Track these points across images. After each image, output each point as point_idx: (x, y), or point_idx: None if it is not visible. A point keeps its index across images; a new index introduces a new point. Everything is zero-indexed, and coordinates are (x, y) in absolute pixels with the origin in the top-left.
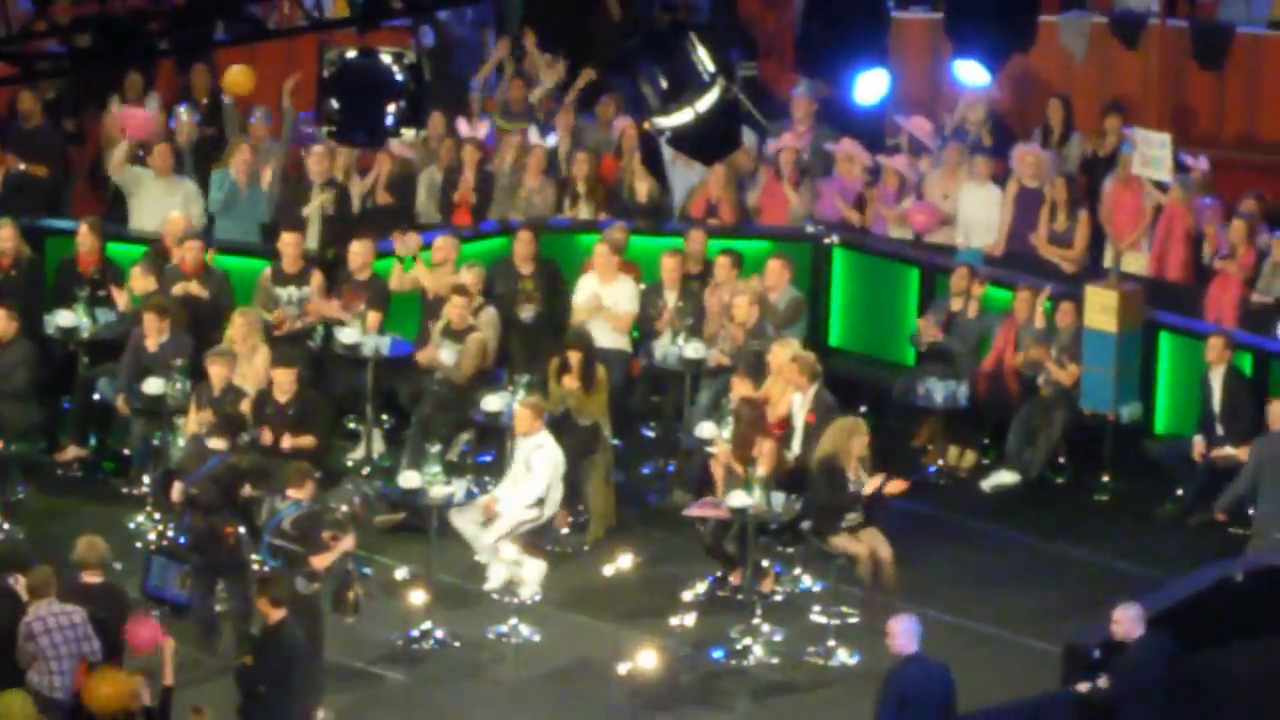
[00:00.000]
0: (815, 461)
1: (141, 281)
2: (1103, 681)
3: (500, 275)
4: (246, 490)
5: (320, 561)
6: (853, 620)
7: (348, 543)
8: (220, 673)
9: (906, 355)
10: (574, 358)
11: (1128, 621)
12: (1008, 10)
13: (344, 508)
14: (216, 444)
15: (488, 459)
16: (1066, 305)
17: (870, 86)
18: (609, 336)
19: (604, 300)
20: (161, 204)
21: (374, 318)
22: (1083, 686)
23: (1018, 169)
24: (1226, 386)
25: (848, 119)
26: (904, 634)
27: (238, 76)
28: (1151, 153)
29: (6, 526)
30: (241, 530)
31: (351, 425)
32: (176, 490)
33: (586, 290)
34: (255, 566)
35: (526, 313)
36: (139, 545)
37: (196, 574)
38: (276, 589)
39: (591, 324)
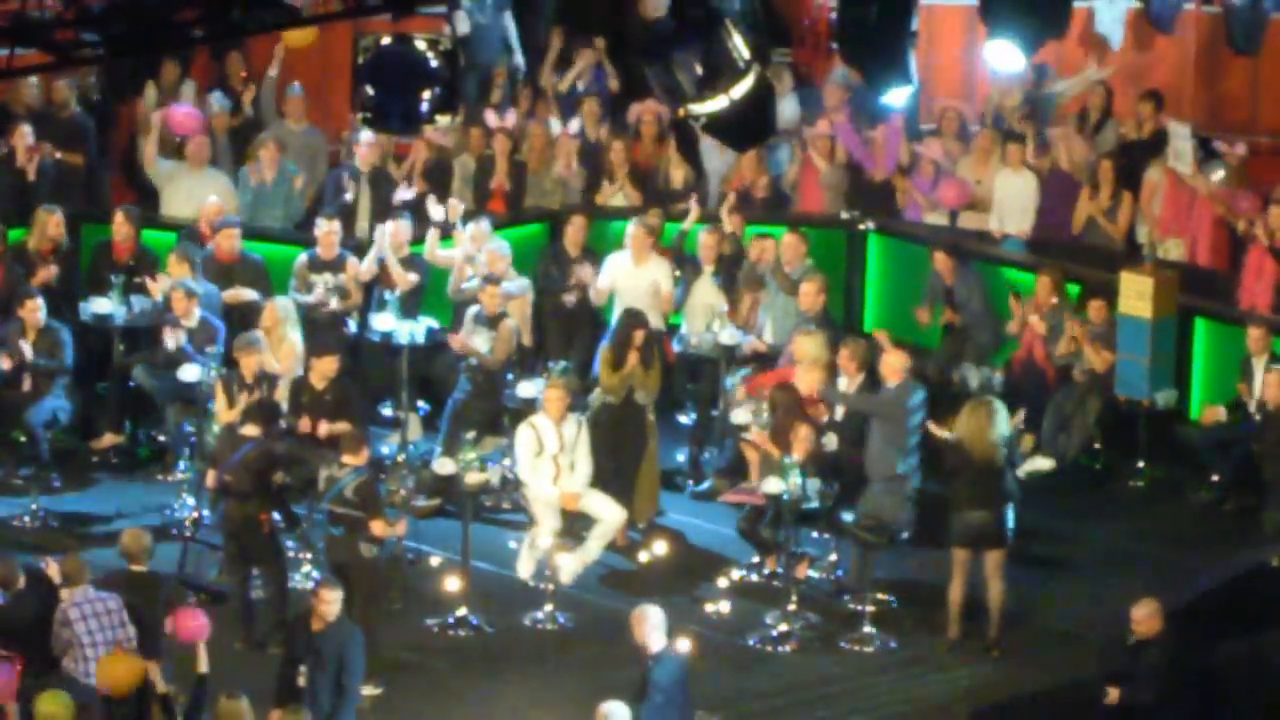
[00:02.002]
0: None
1: (178, 268)
2: (1131, 688)
3: (548, 260)
4: (279, 477)
5: (381, 528)
6: (887, 606)
7: (401, 527)
8: (256, 659)
9: (940, 341)
10: (638, 336)
11: (1147, 619)
12: None
13: (402, 491)
14: (250, 431)
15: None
16: (1096, 300)
17: (897, 95)
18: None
19: (639, 282)
20: (195, 197)
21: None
22: (1112, 695)
23: (1052, 153)
24: (1268, 374)
25: (881, 107)
26: (656, 628)
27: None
28: (1179, 145)
29: (42, 514)
30: (276, 517)
31: (387, 412)
32: (211, 478)
33: (611, 272)
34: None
35: (570, 298)
36: (175, 532)
37: (231, 561)
38: (336, 582)
39: (624, 299)
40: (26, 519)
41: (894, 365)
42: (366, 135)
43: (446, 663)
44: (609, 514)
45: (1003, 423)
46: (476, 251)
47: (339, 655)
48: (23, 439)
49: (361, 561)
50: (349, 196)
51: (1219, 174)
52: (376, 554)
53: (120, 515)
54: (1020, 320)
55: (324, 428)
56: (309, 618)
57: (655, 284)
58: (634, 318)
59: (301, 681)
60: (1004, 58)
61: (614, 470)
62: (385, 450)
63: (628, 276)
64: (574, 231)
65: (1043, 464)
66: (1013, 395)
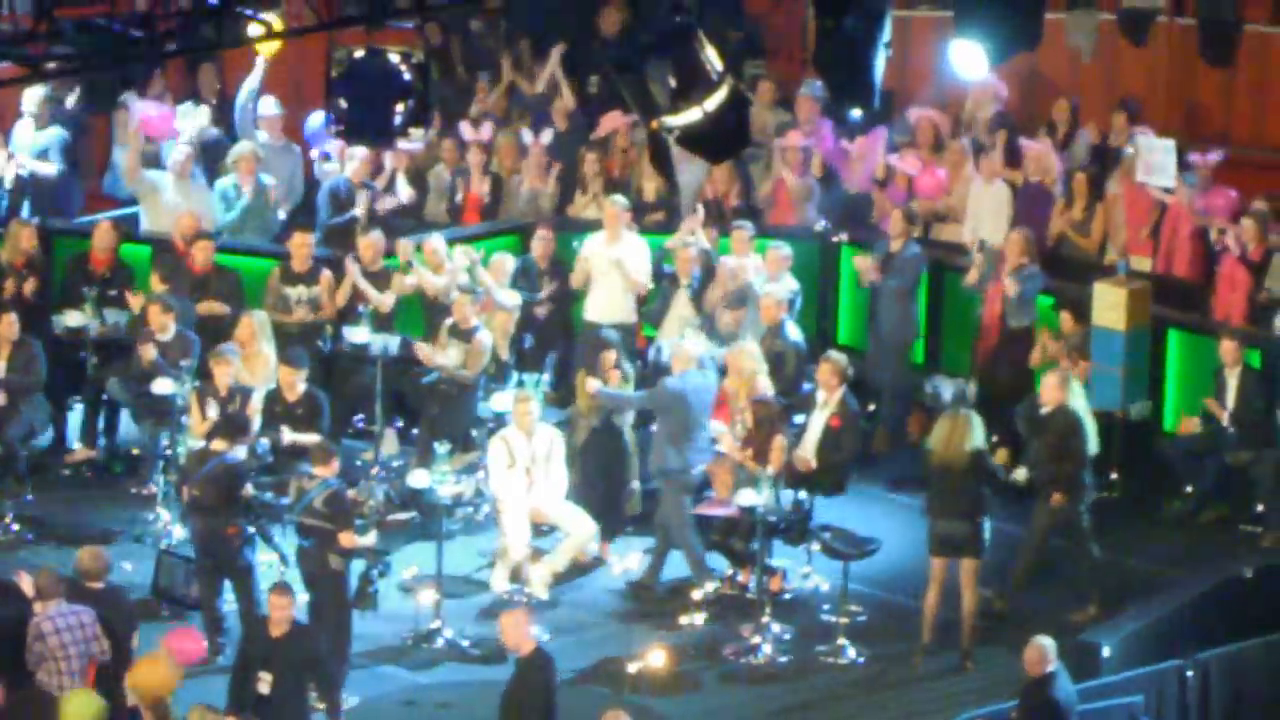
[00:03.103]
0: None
1: (161, 286)
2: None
3: (517, 273)
4: (248, 490)
5: (350, 540)
6: (862, 619)
7: (371, 538)
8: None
9: (916, 353)
10: (608, 358)
11: (1035, 661)
12: (1014, 7)
13: (371, 502)
14: (218, 445)
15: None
16: (1066, 312)
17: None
18: (615, 306)
19: (616, 259)
20: (179, 207)
21: (388, 300)
22: None
23: (1024, 165)
24: (1242, 387)
25: (854, 119)
26: (526, 630)
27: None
28: (1155, 159)
29: (16, 527)
30: (250, 530)
31: (363, 425)
32: (185, 492)
33: (588, 251)
34: (268, 559)
35: (541, 309)
36: (148, 545)
37: (202, 574)
38: (290, 589)
39: (597, 291)
40: None
41: (681, 354)
42: (360, 149)
43: (419, 674)
44: (579, 527)
45: (978, 434)
46: (458, 276)
47: (303, 663)
48: None
49: (330, 573)
50: (358, 212)
51: (1192, 185)
52: (346, 566)
53: (94, 528)
54: (1041, 349)
55: (287, 435)
56: (268, 624)
57: (629, 263)
58: (597, 341)
59: (264, 689)
60: (968, 61)
61: (604, 492)
62: (358, 463)
63: (602, 254)
64: (541, 244)
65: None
66: (986, 405)
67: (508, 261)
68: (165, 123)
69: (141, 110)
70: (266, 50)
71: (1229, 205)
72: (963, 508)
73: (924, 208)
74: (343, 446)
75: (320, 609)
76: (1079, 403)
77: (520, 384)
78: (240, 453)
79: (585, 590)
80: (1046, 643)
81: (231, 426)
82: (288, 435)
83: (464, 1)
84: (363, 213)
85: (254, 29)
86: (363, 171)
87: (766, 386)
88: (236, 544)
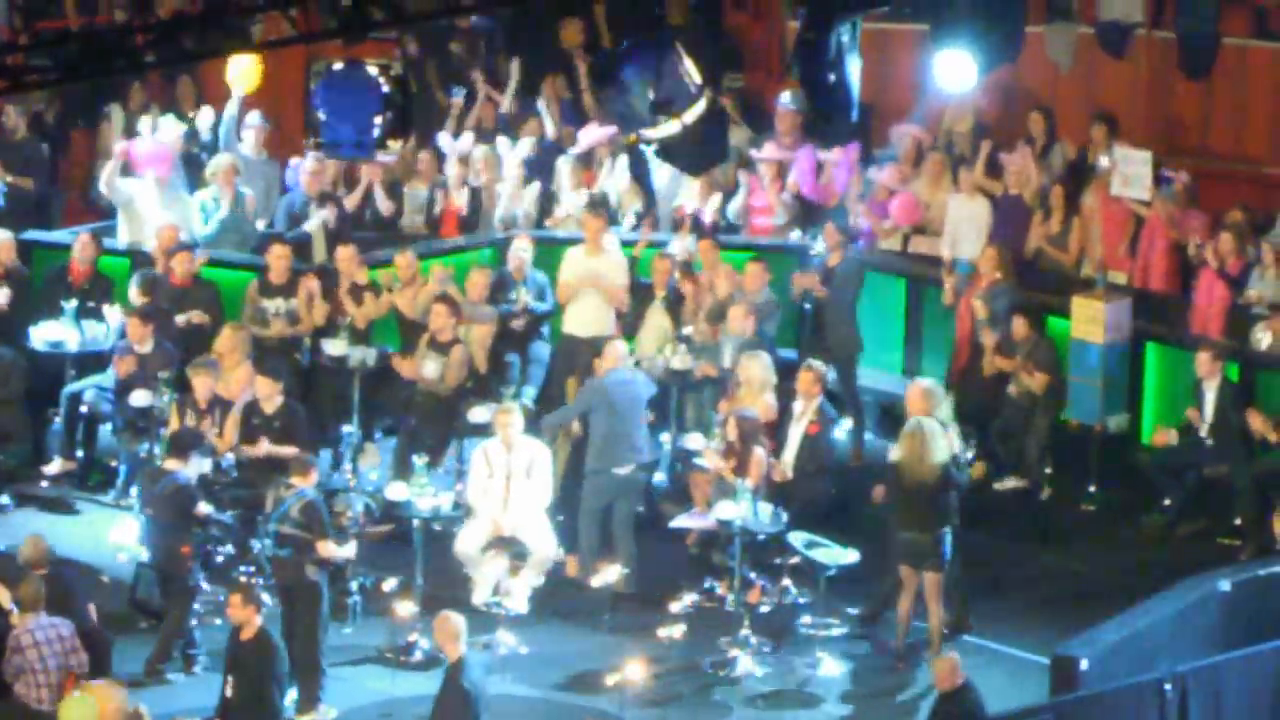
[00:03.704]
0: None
1: (141, 300)
2: None
3: (495, 286)
4: (201, 509)
5: (326, 549)
6: (840, 631)
7: (350, 549)
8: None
9: (895, 365)
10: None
11: (945, 675)
12: (994, 20)
13: (350, 513)
14: (169, 464)
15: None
16: (1020, 317)
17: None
18: (594, 320)
19: (593, 272)
20: (159, 216)
21: (361, 315)
22: None
23: (1003, 177)
24: (1219, 399)
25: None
26: (455, 636)
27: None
28: (1132, 171)
29: None
30: (226, 547)
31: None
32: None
33: (569, 265)
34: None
35: (518, 322)
36: (125, 558)
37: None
38: (252, 594)
39: (576, 304)
40: None
41: (611, 353)
42: (308, 162)
43: (397, 687)
44: (540, 547)
45: (940, 444)
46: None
47: (256, 667)
48: None
49: (307, 583)
50: (309, 226)
51: (1169, 197)
52: (322, 576)
53: (72, 541)
54: (989, 361)
55: (264, 446)
56: (240, 628)
57: (608, 276)
58: (570, 355)
59: (229, 691)
60: (954, 74)
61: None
62: (336, 475)
63: (582, 268)
64: (517, 256)
65: (1013, 483)
66: (962, 420)
67: (485, 276)
68: (162, 157)
69: (132, 146)
70: (244, 83)
71: (1203, 226)
72: (929, 519)
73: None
74: (319, 457)
75: (296, 619)
76: (943, 413)
77: (501, 396)
78: (191, 471)
79: (564, 603)
80: (955, 656)
81: (180, 445)
82: (265, 447)
83: (442, 13)
84: (315, 227)
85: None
86: (314, 184)
87: (772, 400)
88: (188, 564)
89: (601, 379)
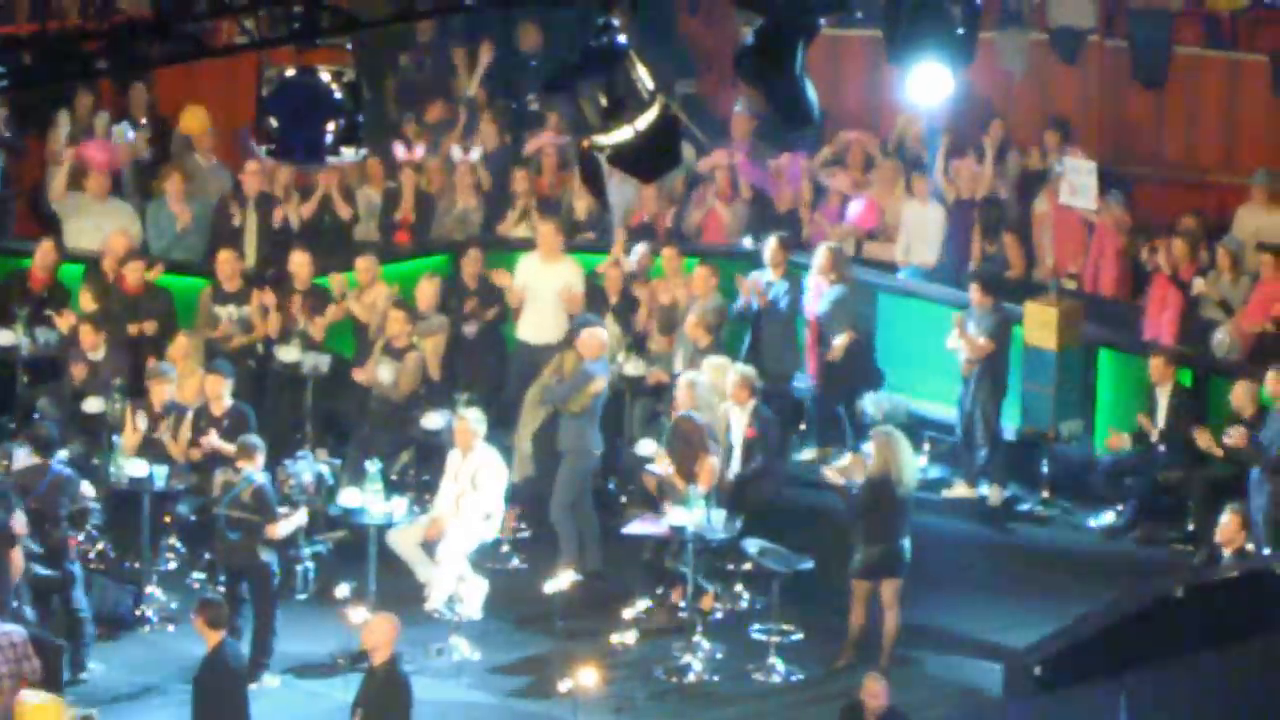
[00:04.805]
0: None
1: (92, 305)
2: None
3: (447, 293)
4: (74, 504)
5: (276, 530)
6: (794, 637)
7: (300, 516)
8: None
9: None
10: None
11: (873, 695)
12: (946, 27)
13: (293, 481)
14: (32, 459)
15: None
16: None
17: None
18: (548, 327)
19: (549, 281)
20: (99, 228)
21: (319, 324)
22: None
23: (955, 182)
24: (1171, 405)
25: (786, 136)
26: (385, 639)
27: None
28: (1079, 180)
29: None
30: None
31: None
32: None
33: (523, 272)
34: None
35: (470, 328)
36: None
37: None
38: (213, 610)
39: (530, 312)
40: None
41: (593, 340)
42: (250, 162)
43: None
44: (450, 554)
45: (908, 451)
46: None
47: (220, 688)
48: None
49: (258, 565)
50: (235, 222)
51: (1116, 205)
52: (273, 557)
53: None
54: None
55: (212, 438)
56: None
57: (563, 282)
58: (526, 363)
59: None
60: (929, 88)
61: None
62: (293, 482)
63: (538, 275)
64: (470, 264)
65: (994, 495)
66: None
67: (434, 284)
68: (105, 155)
69: (84, 148)
70: (192, 125)
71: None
72: (901, 529)
73: (856, 230)
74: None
75: (248, 599)
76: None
77: (456, 403)
78: (65, 465)
79: (517, 609)
80: (884, 682)
81: (39, 441)
82: (213, 439)
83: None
84: (254, 228)
85: (184, 47)
86: (253, 184)
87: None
88: (69, 554)
89: (593, 367)
